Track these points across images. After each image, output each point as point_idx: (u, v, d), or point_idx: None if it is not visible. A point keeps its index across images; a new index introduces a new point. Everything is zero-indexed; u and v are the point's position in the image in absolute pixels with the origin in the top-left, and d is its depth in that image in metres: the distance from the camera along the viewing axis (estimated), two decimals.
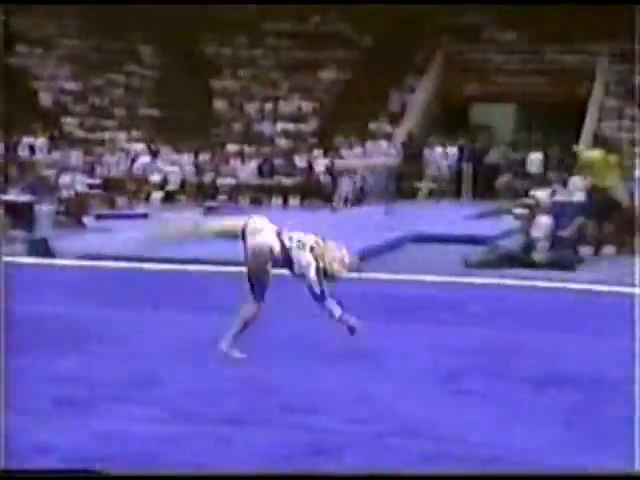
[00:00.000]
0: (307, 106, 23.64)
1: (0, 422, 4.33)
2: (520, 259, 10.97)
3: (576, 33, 23.83)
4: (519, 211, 12.10)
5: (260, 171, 20.70)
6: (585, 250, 11.75)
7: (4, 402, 4.63)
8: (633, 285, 9.50)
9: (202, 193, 20.02)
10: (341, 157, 20.27)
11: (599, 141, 12.86)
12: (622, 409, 4.85)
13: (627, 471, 4.10)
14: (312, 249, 5.73)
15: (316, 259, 5.71)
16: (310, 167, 20.36)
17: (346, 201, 19.11)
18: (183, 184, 20.39)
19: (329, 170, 19.87)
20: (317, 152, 20.70)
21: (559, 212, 12.87)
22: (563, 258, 11.17)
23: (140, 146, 21.47)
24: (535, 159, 20.78)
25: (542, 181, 14.87)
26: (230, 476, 3.95)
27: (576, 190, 14.07)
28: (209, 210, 16.81)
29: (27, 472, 3.92)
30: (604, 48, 23.82)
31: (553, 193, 14.60)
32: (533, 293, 9.02)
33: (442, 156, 20.82)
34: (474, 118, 25.03)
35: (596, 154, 12.08)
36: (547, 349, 6.36)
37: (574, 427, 4.61)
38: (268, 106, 23.62)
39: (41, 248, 11.26)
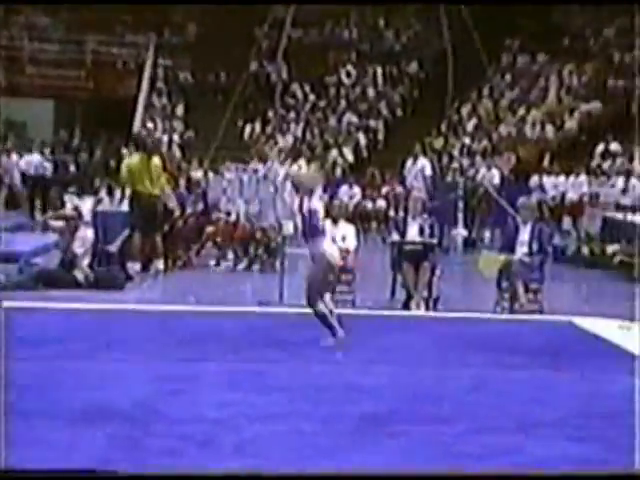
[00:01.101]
0: None
1: (0, 422, 4.31)
2: (59, 278, 10.98)
3: (120, 23, 24.49)
4: (56, 224, 12.05)
5: None
6: (133, 266, 12.12)
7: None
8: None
9: None
10: None
11: (144, 143, 13.27)
12: (165, 441, 5.17)
13: (627, 471, 4.47)
14: None
15: None
16: None
17: None
18: None
19: None
20: None
21: (104, 224, 13.14)
22: (109, 276, 11.42)
23: None
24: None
25: (84, 188, 15.02)
26: (230, 476, 4.34)
27: (125, 198, 14.46)
28: None
29: (27, 472, 4.32)
30: (152, 41, 24.76)
31: (98, 202, 14.86)
32: (78, 316, 9.10)
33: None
34: (5, 114, 24.50)
35: (138, 158, 12.42)
36: (89, 380, 6.51)
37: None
38: None
39: None
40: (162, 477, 4.40)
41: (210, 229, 14.29)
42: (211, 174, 17.93)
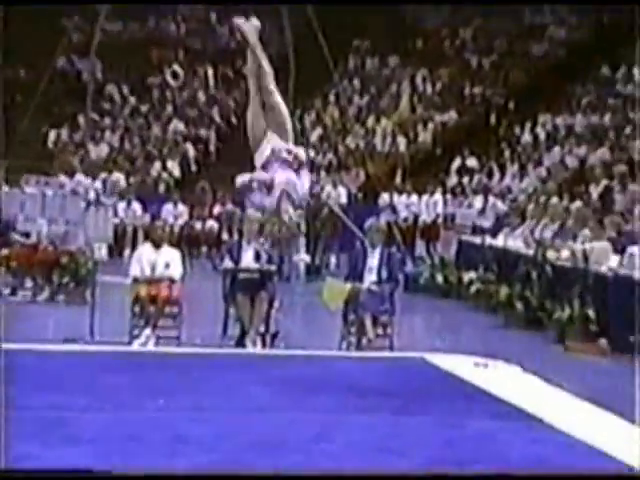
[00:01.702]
0: None
1: (0, 422, 4.87)
2: None
3: None
4: None
5: None
6: None
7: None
8: None
9: None
10: None
11: None
12: None
13: (627, 471, 5.20)
14: None
15: None
16: None
17: None
18: None
19: None
20: None
21: None
22: None
23: None
24: None
25: None
26: (230, 476, 4.97)
27: None
28: None
29: (27, 472, 4.98)
30: None
31: None
32: None
33: None
34: None
35: None
36: None
37: None
38: None
39: None
40: (159, 477, 5.04)
41: (3, 252, 14.00)
42: (5, 187, 17.51)
